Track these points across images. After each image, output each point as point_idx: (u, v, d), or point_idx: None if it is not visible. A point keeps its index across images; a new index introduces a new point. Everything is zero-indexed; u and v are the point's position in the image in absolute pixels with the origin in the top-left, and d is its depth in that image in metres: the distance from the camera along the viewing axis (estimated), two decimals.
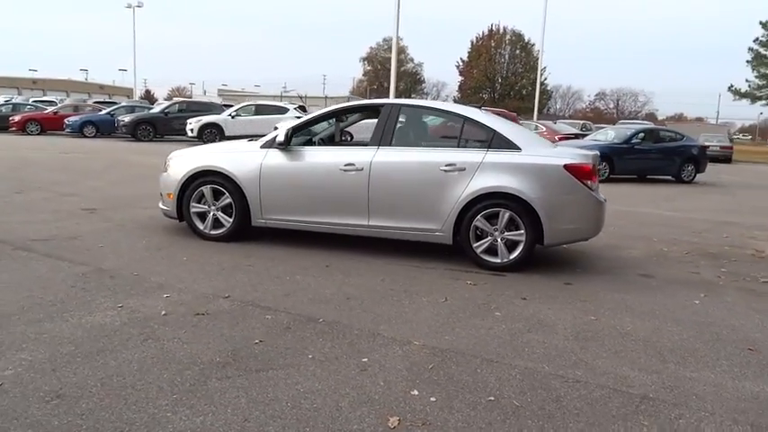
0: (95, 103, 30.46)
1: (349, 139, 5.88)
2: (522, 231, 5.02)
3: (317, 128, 6.17)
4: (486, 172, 5.06)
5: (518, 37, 58.67)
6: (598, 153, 5.34)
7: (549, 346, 3.49)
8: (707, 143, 20.58)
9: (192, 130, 21.15)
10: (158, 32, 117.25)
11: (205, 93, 70.57)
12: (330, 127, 6.40)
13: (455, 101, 57.91)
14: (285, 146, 5.46)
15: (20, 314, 3.55)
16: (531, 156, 5.08)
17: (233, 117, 21.62)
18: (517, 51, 59.07)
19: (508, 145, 5.14)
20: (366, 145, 5.47)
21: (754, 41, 52.11)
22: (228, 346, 3.23)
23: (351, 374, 2.97)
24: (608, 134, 16.36)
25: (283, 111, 22.10)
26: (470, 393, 2.82)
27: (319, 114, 5.85)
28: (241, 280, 4.50)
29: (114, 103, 29.25)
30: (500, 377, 3.02)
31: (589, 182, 5.06)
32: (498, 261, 5.12)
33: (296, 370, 2.98)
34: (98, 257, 4.91)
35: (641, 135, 15.45)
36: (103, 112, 25.07)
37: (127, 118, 22.57)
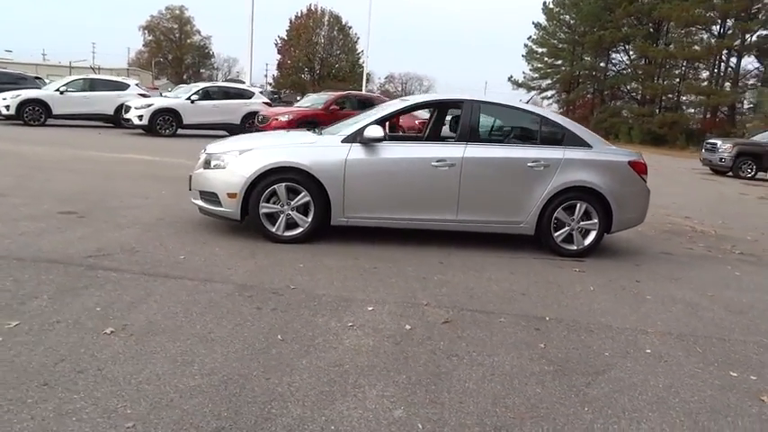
0: None
1: None
2: (596, 221, 5.62)
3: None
4: (567, 168, 5.52)
5: (336, 19, 59.56)
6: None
7: (729, 321, 4.14)
8: None
9: (7, 107, 17.70)
10: None
11: None
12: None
13: (274, 79, 56.70)
14: (380, 141, 5.25)
15: (278, 346, 3.08)
16: (601, 153, 5.68)
17: (61, 93, 18.57)
18: (334, 33, 59.95)
19: (581, 143, 5.66)
20: (451, 140, 5.54)
21: (528, 39, 60.32)
22: (532, 354, 3.26)
23: (662, 366, 3.26)
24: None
25: (123, 87, 19.54)
26: (762, 368, 3.31)
27: (402, 108, 5.69)
28: (396, 284, 4.34)
29: None
30: (755, 352, 3.56)
31: (644, 176, 5.84)
32: (574, 248, 5.65)
33: (621, 369, 3.17)
34: (211, 272, 4.26)
35: None
36: None
37: None
